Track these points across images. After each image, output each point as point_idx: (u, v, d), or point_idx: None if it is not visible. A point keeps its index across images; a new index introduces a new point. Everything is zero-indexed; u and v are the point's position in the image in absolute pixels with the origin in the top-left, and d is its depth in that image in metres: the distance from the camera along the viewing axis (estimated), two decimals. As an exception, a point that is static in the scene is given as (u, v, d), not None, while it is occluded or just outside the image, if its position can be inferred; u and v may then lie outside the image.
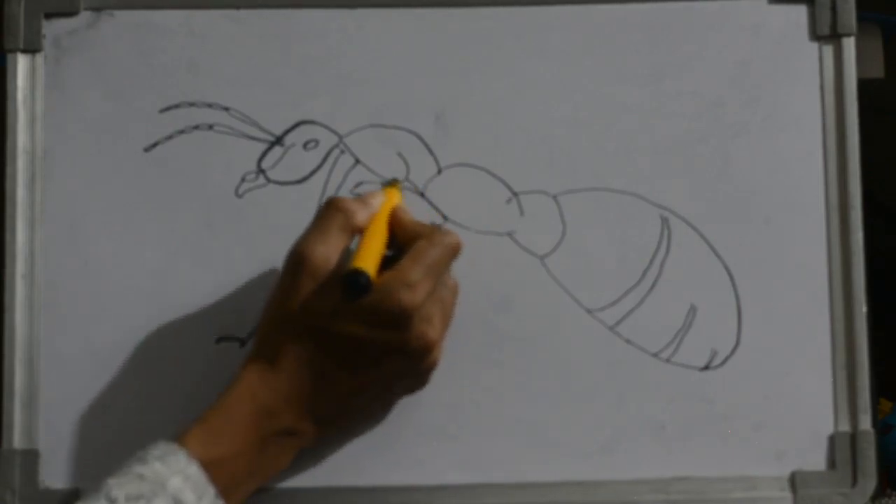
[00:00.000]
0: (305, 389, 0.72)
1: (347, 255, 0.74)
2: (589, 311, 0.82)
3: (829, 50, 0.83)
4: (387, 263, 0.73)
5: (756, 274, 0.82)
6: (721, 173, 0.82)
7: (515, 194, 0.82)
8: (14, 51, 0.82)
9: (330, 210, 0.74)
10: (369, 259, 0.71)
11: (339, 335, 0.71)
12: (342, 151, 0.82)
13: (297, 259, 0.72)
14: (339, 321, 0.71)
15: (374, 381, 0.73)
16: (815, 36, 0.83)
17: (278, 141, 0.82)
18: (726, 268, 0.82)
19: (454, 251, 0.74)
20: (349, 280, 0.69)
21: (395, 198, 0.78)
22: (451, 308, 0.76)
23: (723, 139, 0.83)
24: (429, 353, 0.73)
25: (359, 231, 0.74)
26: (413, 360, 0.73)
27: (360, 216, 0.74)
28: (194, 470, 0.69)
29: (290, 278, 0.72)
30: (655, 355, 0.81)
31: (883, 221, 1.02)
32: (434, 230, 0.75)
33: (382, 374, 0.73)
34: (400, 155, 0.82)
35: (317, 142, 0.82)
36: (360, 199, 0.75)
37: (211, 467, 0.69)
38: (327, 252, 0.72)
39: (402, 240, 0.75)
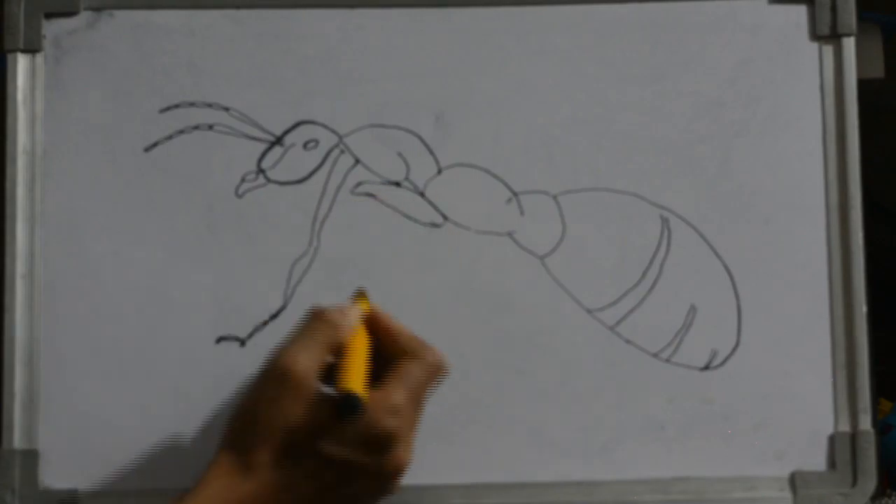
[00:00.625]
0: (271, 499, 0.70)
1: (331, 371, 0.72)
2: (589, 311, 0.82)
3: (829, 50, 0.83)
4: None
5: (756, 274, 0.82)
6: (721, 173, 0.82)
7: (515, 194, 0.82)
8: (14, 51, 0.82)
9: (317, 322, 0.72)
10: (357, 378, 0.69)
11: (318, 453, 0.69)
12: (342, 151, 0.82)
13: (281, 371, 0.70)
14: (321, 440, 0.69)
15: (342, 499, 0.71)
16: (815, 36, 0.83)
17: (278, 141, 0.82)
18: (726, 268, 0.82)
19: (438, 373, 0.73)
20: (343, 402, 0.68)
21: (366, 307, 0.75)
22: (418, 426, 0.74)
23: (723, 139, 0.83)
24: (401, 474, 0.72)
25: (339, 346, 0.72)
26: (385, 481, 0.72)
27: (343, 331, 0.72)
28: None
29: (272, 388, 0.70)
30: (655, 355, 0.81)
31: (883, 221, 1.02)
32: (420, 348, 0.73)
33: (352, 494, 0.71)
34: (400, 155, 0.82)
35: (317, 142, 0.82)
36: (341, 311, 0.73)
37: None
38: (311, 367, 0.70)
39: (387, 350, 0.73)
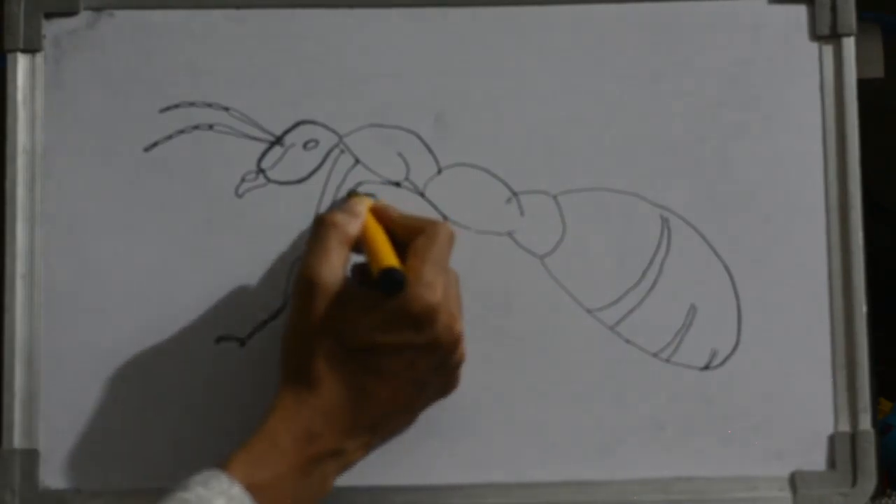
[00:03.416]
0: (346, 406, 0.71)
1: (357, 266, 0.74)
2: (589, 311, 0.82)
3: (829, 50, 0.83)
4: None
5: (756, 274, 0.82)
6: (721, 173, 0.82)
7: (515, 194, 0.82)
8: (14, 51, 0.82)
9: (324, 227, 0.73)
10: (391, 256, 0.71)
11: (369, 345, 0.71)
12: (342, 151, 0.82)
13: (308, 285, 0.72)
14: (368, 332, 0.71)
15: (410, 384, 0.73)
16: (815, 36, 0.83)
17: (278, 141, 0.82)
18: (726, 268, 0.82)
19: (451, 241, 0.75)
20: (387, 278, 0.69)
21: (369, 200, 0.78)
22: (460, 297, 0.76)
23: (723, 139, 0.83)
24: (458, 345, 0.73)
25: (354, 241, 0.74)
26: (444, 355, 0.73)
27: (353, 227, 0.74)
28: (237, 491, 0.68)
29: (305, 302, 0.72)
30: (655, 355, 0.81)
31: (883, 221, 1.02)
32: (427, 224, 0.75)
33: (417, 377, 0.72)
34: (400, 155, 0.82)
35: (317, 142, 0.82)
36: (345, 210, 0.75)
37: (255, 491, 0.68)
38: (334, 270, 0.72)
39: (398, 236, 0.75)
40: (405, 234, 0.75)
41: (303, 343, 0.72)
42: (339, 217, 0.74)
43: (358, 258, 0.75)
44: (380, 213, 0.76)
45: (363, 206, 0.76)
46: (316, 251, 0.73)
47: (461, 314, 0.75)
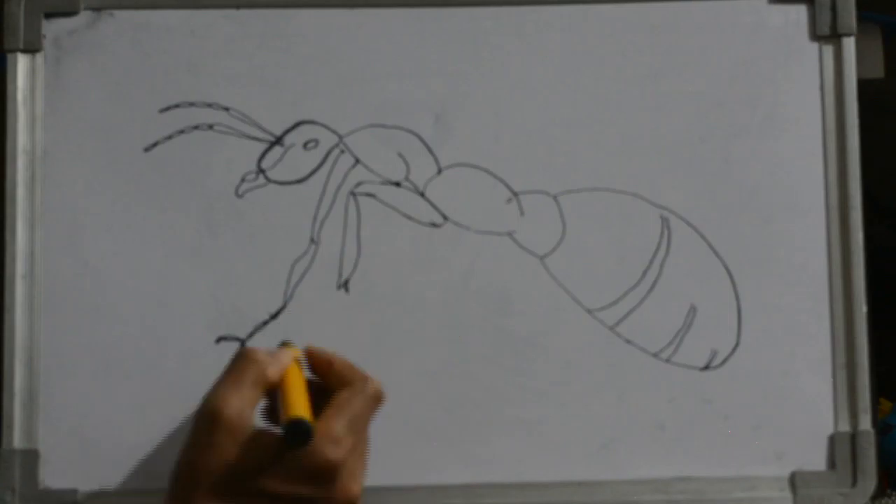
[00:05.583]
0: None
1: (267, 409, 0.72)
2: (589, 311, 0.82)
3: (829, 50, 0.83)
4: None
5: (756, 274, 0.82)
6: (721, 173, 0.82)
7: (515, 194, 0.82)
8: (14, 51, 0.82)
9: (244, 361, 0.70)
10: (303, 407, 0.68)
11: (263, 493, 0.67)
12: (342, 151, 0.82)
13: (212, 414, 0.67)
14: (264, 478, 0.67)
15: None
16: (815, 36, 0.83)
17: (278, 141, 0.82)
18: (726, 268, 0.82)
19: (377, 402, 0.71)
20: (293, 428, 0.66)
21: (296, 351, 0.74)
22: (367, 461, 0.72)
23: (723, 139, 0.83)
24: None
25: (270, 385, 0.70)
26: None
27: (272, 369, 0.70)
28: None
29: (206, 434, 0.68)
30: (655, 355, 0.81)
31: (883, 221, 1.02)
32: (357, 379, 0.71)
33: None
34: (400, 155, 0.82)
35: (317, 142, 0.82)
36: (270, 353, 0.71)
37: None
38: (243, 405, 0.68)
39: (326, 382, 0.72)
40: (336, 383, 0.71)
41: (195, 477, 0.68)
42: (262, 356, 0.70)
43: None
44: (316, 358, 0.73)
45: (288, 357, 0.72)
46: (228, 382, 0.69)
47: (363, 476, 0.71)
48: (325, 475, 0.68)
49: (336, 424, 0.69)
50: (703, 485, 0.81)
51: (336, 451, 0.68)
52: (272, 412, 0.72)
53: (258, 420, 0.70)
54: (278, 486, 0.68)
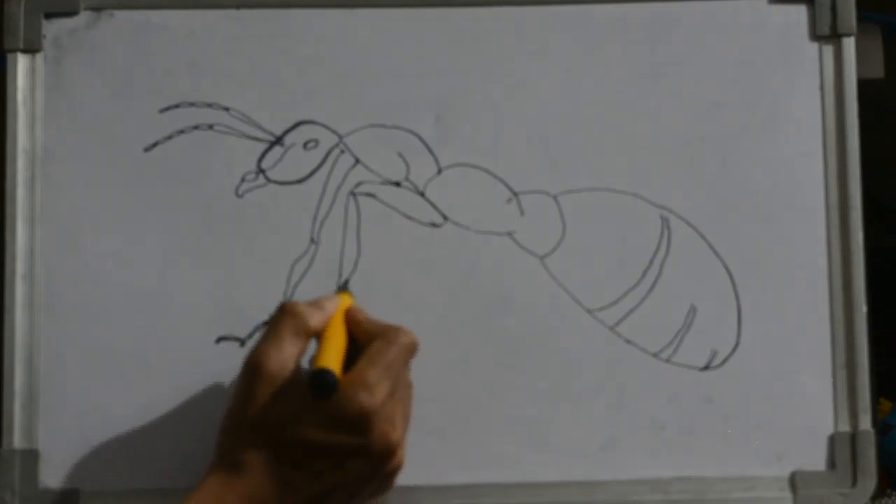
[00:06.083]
0: (270, 498, 0.70)
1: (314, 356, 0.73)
2: (589, 311, 0.82)
3: (829, 50, 0.83)
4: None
5: (756, 274, 0.82)
6: (721, 173, 0.82)
7: (515, 194, 0.82)
8: (14, 51, 0.82)
9: (283, 315, 0.72)
10: (332, 358, 0.70)
11: (299, 441, 0.70)
12: (342, 151, 0.82)
13: (253, 367, 0.71)
14: (300, 427, 0.70)
15: (339, 485, 0.71)
16: (815, 36, 0.83)
17: (278, 141, 0.82)
18: (726, 268, 0.82)
19: (411, 350, 0.73)
20: (316, 379, 0.68)
21: (347, 300, 0.76)
22: (410, 407, 0.75)
23: (723, 139, 0.83)
24: (392, 454, 0.72)
25: (313, 335, 0.73)
26: (377, 462, 0.71)
27: (314, 320, 0.73)
28: None
29: (247, 386, 0.71)
30: (655, 355, 0.81)
31: (883, 221, 1.02)
32: (390, 330, 0.73)
33: (346, 478, 0.71)
34: (400, 155, 0.82)
35: (317, 142, 0.82)
36: (314, 302, 0.74)
37: None
38: (282, 358, 0.71)
39: (359, 340, 0.74)
40: (365, 340, 0.73)
41: (237, 427, 0.71)
42: (301, 308, 0.73)
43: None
44: (349, 317, 0.75)
45: (333, 304, 0.74)
46: (269, 337, 0.72)
47: (405, 424, 0.73)
48: (360, 423, 0.70)
49: (369, 372, 0.70)
50: (703, 485, 0.81)
51: (370, 399, 0.69)
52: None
53: (304, 370, 0.72)
54: (316, 434, 0.70)
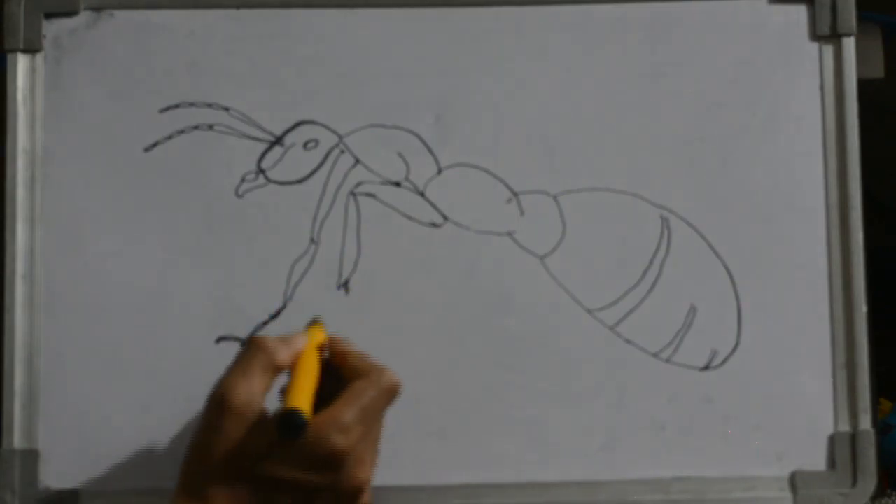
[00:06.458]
0: None
1: (283, 392, 0.72)
2: (589, 311, 0.82)
3: (829, 50, 0.83)
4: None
5: (756, 274, 0.82)
6: (721, 173, 0.82)
7: (515, 194, 0.82)
8: (14, 51, 0.82)
9: (251, 349, 0.71)
10: (302, 397, 0.68)
11: (268, 477, 0.69)
12: (342, 151, 0.82)
13: (220, 400, 0.69)
14: (269, 463, 0.68)
15: None
16: (815, 36, 0.83)
17: (278, 141, 0.82)
18: (726, 268, 0.82)
19: (392, 394, 0.72)
20: (285, 420, 0.67)
21: (320, 335, 0.75)
22: (379, 444, 0.73)
23: (723, 139, 0.83)
24: (361, 492, 0.71)
25: (281, 370, 0.71)
26: (343, 500, 0.71)
27: (282, 355, 0.71)
28: None
29: (213, 420, 0.69)
30: (655, 355, 0.81)
31: (883, 221, 1.02)
32: (373, 371, 0.72)
33: None
34: (400, 155, 0.82)
35: (317, 142, 0.82)
36: (283, 338, 0.72)
37: None
38: (250, 392, 0.69)
39: (343, 374, 0.73)
40: (349, 376, 0.72)
41: (203, 460, 0.69)
42: (270, 342, 0.71)
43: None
44: (334, 348, 0.74)
45: (303, 340, 0.73)
46: (236, 370, 0.70)
47: (374, 462, 0.72)
48: (331, 463, 0.69)
49: (346, 413, 0.69)
50: (703, 485, 0.81)
51: (343, 440, 0.68)
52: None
53: (270, 405, 0.70)
54: (285, 471, 0.69)
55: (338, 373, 0.73)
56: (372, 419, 0.71)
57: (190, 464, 0.70)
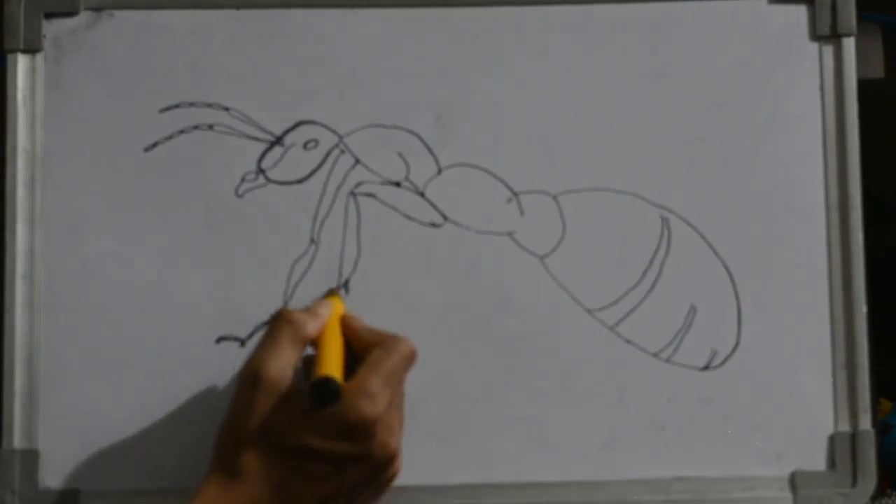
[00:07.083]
0: (269, 503, 0.70)
1: (308, 364, 0.73)
2: (589, 311, 0.82)
3: (829, 50, 0.83)
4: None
5: (756, 274, 0.82)
6: (721, 173, 0.82)
7: (515, 194, 0.82)
8: (14, 51, 0.82)
9: (279, 322, 0.73)
10: (334, 366, 0.70)
11: (300, 448, 0.70)
12: (342, 151, 0.82)
13: (252, 376, 0.71)
14: (301, 434, 0.70)
15: (336, 492, 0.72)
16: (815, 36, 0.83)
17: (278, 141, 0.82)
18: (726, 268, 0.82)
19: (411, 359, 0.74)
20: (320, 388, 0.69)
21: (340, 305, 0.77)
22: (404, 414, 0.75)
23: (723, 139, 0.83)
24: (392, 461, 0.73)
25: (309, 341, 0.73)
26: (376, 469, 0.72)
27: (310, 327, 0.73)
28: None
29: (246, 395, 0.71)
30: (655, 355, 0.81)
31: (883, 221, 1.02)
32: (389, 338, 0.74)
33: (345, 485, 0.71)
34: (400, 155, 0.82)
35: (317, 142, 0.82)
36: (309, 309, 0.74)
37: None
38: (281, 366, 0.71)
39: (357, 348, 0.74)
40: (363, 349, 0.74)
41: (236, 434, 0.71)
42: (297, 315, 0.73)
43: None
44: (344, 323, 0.76)
45: (328, 309, 0.75)
46: (266, 345, 0.72)
47: (401, 432, 0.74)
48: (362, 431, 0.70)
49: (371, 380, 0.71)
50: (703, 485, 0.81)
51: (372, 407, 0.70)
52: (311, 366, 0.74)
53: (300, 377, 0.73)
54: (317, 441, 0.70)
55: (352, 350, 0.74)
56: (396, 386, 0.72)
57: (223, 439, 0.72)
